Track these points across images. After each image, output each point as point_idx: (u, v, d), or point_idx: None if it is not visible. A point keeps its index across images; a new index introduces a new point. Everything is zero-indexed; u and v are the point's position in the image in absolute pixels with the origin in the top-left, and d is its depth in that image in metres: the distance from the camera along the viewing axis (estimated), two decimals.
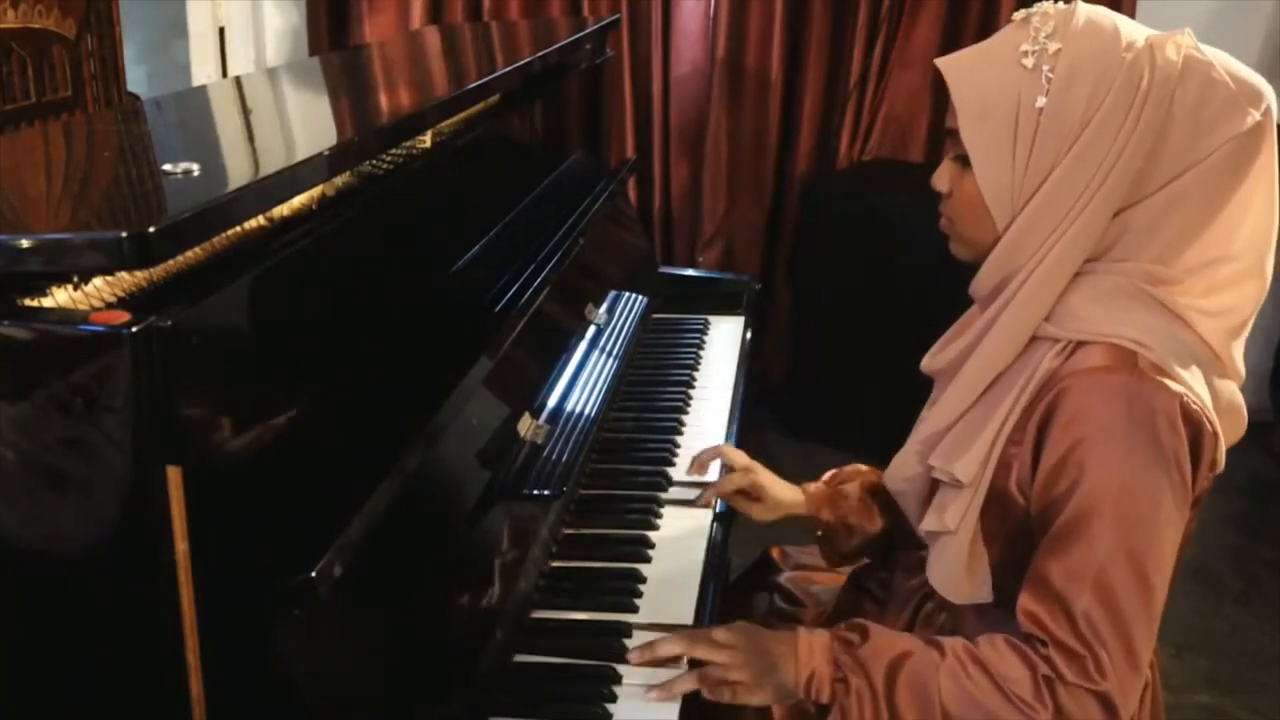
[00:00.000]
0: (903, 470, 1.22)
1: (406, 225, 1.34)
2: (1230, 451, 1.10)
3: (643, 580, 1.36)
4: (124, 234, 0.77)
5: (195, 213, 0.84)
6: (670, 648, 1.15)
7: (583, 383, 1.61)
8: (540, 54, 1.77)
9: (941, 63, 1.14)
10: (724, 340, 2.12)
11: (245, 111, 1.39)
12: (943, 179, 1.17)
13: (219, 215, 0.89)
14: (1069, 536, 1.04)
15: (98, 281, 0.86)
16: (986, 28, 3.09)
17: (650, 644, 1.16)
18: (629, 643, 1.22)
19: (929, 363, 1.23)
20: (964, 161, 1.13)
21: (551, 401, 1.51)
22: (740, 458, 1.53)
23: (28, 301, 0.82)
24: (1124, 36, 1.07)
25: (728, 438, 1.74)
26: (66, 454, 0.81)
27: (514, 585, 1.24)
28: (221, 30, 3.45)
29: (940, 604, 1.27)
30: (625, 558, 1.41)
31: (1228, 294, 1.10)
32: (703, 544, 1.45)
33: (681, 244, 3.51)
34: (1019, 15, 1.12)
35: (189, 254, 0.94)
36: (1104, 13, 1.10)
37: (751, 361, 2.03)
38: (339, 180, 1.20)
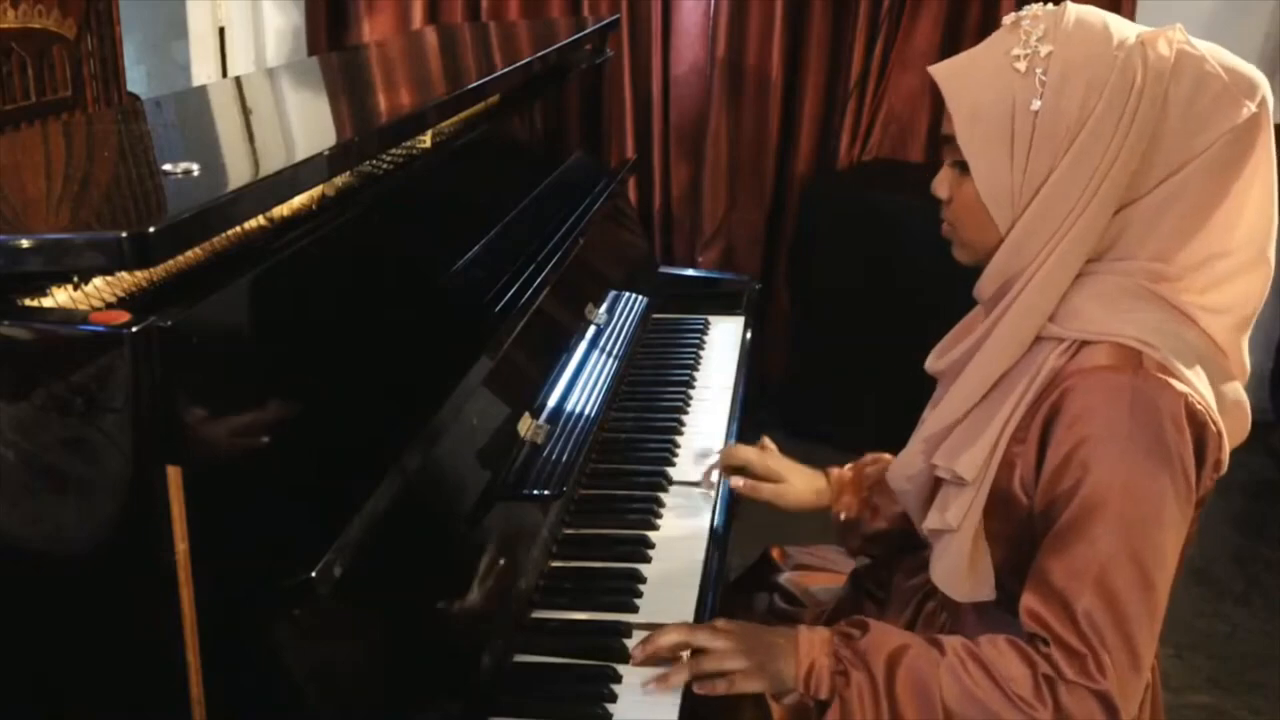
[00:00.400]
0: (905, 469, 1.22)
1: (407, 225, 1.34)
2: (1231, 451, 1.10)
3: (643, 580, 1.36)
4: (124, 234, 0.77)
5: (195, 213, 0.84)
6: (671, 637, 1.15)
7: (583, 383, 1.60)
8: (540, 54, 1.77)
9: (935, 70, 1.14)
10: (724, 340, 2.12)
11: (245, 111, 1.39)
12: (942, 185, 1.17)
13: (219, 215, 0.89)
14: (1072, 535, 1.04)
15: (98, 281, 0.86)
16: (987, 28, 3.08)
17: (650, 636, 1.16)
18: (629, 643, 1.22)
19: (933, 364, 1.23)
20: (963, 167, 1.13)
21: (551, 401, 1.51)
22: (748, 451, 1.52)
23: (28, 301, 0.82)
24: (1115, 35, 1.07)
25: (728, 437, 1.74)
26: (66, 454, 0.81)
27: (514, 585, 1.24)
28: (221, 30, 3.45)
29: (941, 604, 1.27)
30: (625, 558, 1.41)
31: (1230, 288, 1.10)
32: (703, 544, 1.45)
33: (681, 244, 3.51)
34: (1009, 19, 1.12)
35: (189, 254, 0.94)
36: (1094, 12, 1.10)
37: (751, 361, 2.03)
38: (339, 180, 1.20)
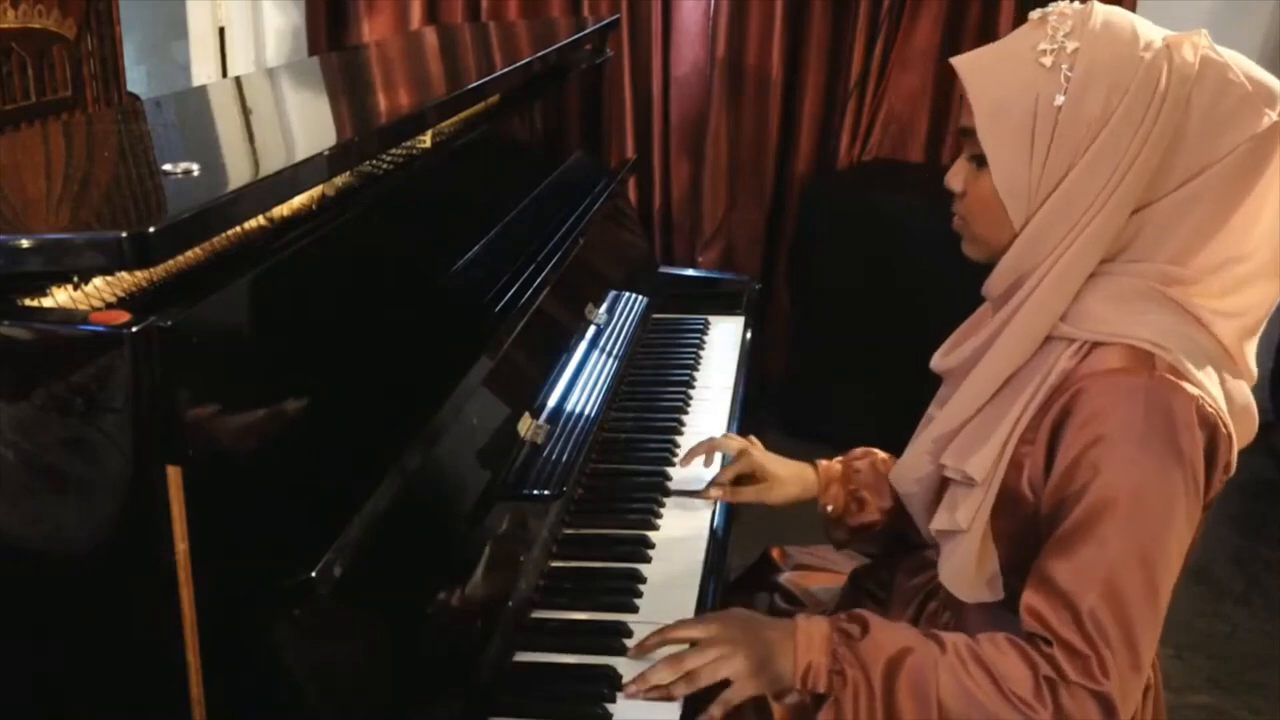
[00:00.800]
0: (913, 470, 1.22)
1: (407, 225, 1.34)
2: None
3: (643, 580, 1.36)
4: (124, 234, 0.77)
5: (195, 213, 0.84)
6: (662, 676, 1.12)
7: (583, 383, 1.60)
8: (540, 54, 1.77)
9: (957, 62, 1.13)
10: (724, 340, 2.12)
11: (245, 111, 1.39)
12: (957, 179, 1.16)
13: (219, 215, 0.89)
14: (1079, 535, 1.04)
15: (98, 281, 0.86)
16: (987, 27, 3.09)
17: (641, 676, 1.14)
18: (629, 643, 1.22)
19: (939, 362, 1.23)
20: (979, 161, 1.12)
21: (551, 401, 1.51)
22: (734, 441, 1.53)
23: (28, 301, 0.82)
24: (1142, 37, 1.08)
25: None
26: (66, 454, 0.81)
27: (514, 585, 1.24)
28: (221, 30, 3.45)
29: (943, 603, 1.27)
30: (625, 558, 1.41)
31: (1243, 294, 1.10)
32: (703, 544, 1.45)
33: (681, 244, 3.51)
34: (1036, 14, 1.11)
35: (189, 254, 0.94)
36: (1121, 13, 1.10)
37: (751, 361, 2.03)
38: (339, 180, 1.20)
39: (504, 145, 1.77)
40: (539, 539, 1.34)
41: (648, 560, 1.41)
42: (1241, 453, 1.12)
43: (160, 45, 3.99)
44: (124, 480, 0.81)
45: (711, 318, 2.21)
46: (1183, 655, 2.37)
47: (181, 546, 0.82)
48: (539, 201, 1.80)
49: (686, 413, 1.81)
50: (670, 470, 1.61)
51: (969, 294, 1.20)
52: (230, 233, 1.00)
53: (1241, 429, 1.10)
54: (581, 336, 1.71)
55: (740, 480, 1.51)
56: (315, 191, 1.15)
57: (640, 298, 1.97)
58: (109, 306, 0.85)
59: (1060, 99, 1.06)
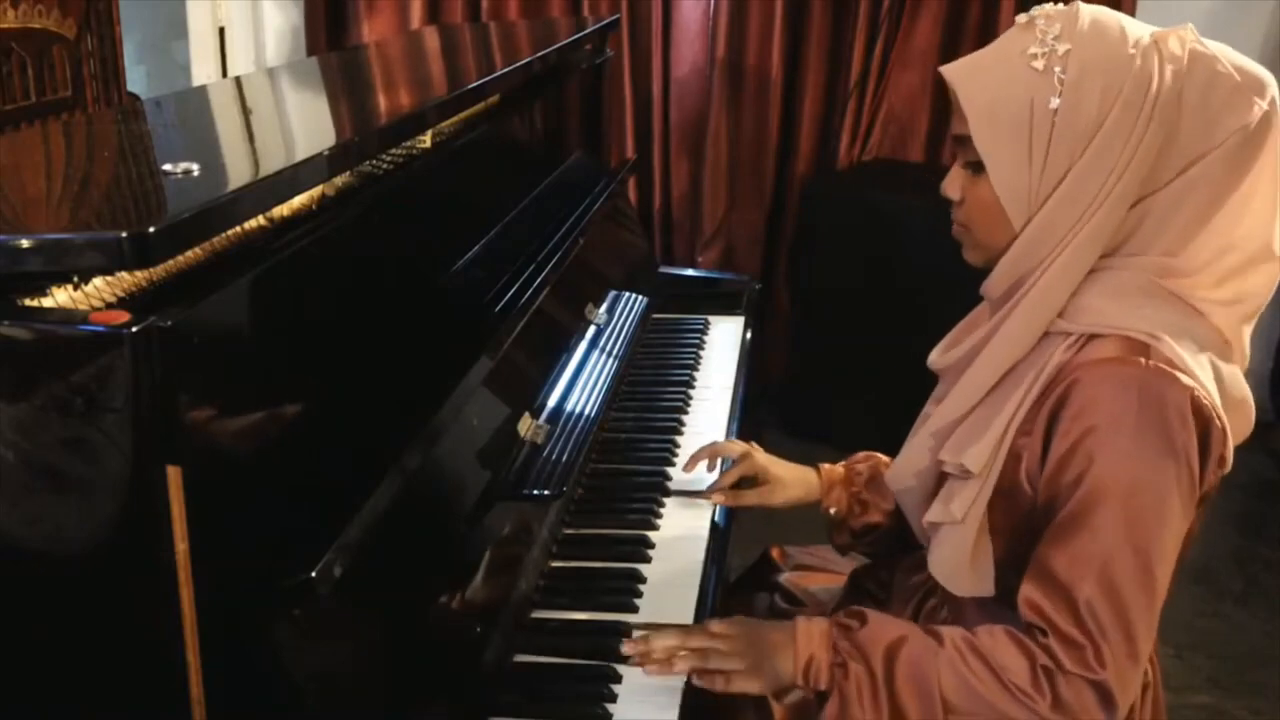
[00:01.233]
0: (911, 465, 1.22)
1: (407, 225, 1.34)
2: (1234, 448, 1.10)
3: (643, 580, 1.36)
4: (124, 234, 0.78)
5: (195, 213, 0.84)
6: (665, 642, 1.14)
7: (583, 383, 1.60)
8: (540, 54, 1.77)
9: (947, 70, 1.14)
10: (724, 340, 2.12)
11: (245, 111, 1.39)
12: (954, 187, 1.16)
13: (219, 215, 0.89)
14: (1075, 526, 1.04)
15: (98, 281, 0.86)
16: (987, 27, 3.09)
17: (644, 637, 1.15)
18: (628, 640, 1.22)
19: (937, 360, 1.23)
20: (975, 167, 1.13)
21: (551, 401, 1.51)
22: (736, 445, 1.54)
23: (28, 301, 0.82)
24: (1130, 34, 1.08)
25: (727, 437, 1.73)
26: (66, 454, 0.81)
27: (514, 585, 1.24)
28: (221, 30, 3.45)
29: (941, 600, 1.27)
30: (625, 558, 1.41)
31: (1238, 282, 1.10)
32: (703, 544, 1.45)
33: (681, 244, 3.50)
34: (1022, 18, 1.12)
35: (189, 254, 0.94)
36: (1107, 12, 1.10)
37: (751, 361, 2.03)
38: (339, 180, 1.20)
39: (504, 145, 1.77)
40: (539, 539, 1.34)
41: (648, 560, 1.41)
42: (1241, 452, 1.12)
43: (160, 45, 3.99)
44: (124, 480, 0.81)
45: (711, 318, 2.21)
46: (1183, 655, 2.37)
47: (181, 546, 0.82)
48: (539, 201, 1.80)
49: (686, 413, 1.81)
50: (670, 470, 1.62)
51: (969, 294, 1.21)
52: (230, 233, 1.00)
53: (1238, 423, 1.10)
54: (581, 336, 1.71)
55: (742, 484, 1.51)
56: (315, 191, 1.15)
57: (640, 298, 1.97)
58: (109, 306, 0.85)
59: (1055, 101, 1.07)
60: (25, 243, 0.79)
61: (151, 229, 0.78)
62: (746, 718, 1.24)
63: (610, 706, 1.14)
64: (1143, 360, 1.04)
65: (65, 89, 2.53)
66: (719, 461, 1.56)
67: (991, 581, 1.14)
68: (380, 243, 1.26)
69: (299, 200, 1.12)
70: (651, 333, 2.08)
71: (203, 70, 3.46)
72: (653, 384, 1.91)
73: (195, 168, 0.95)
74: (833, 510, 1.47)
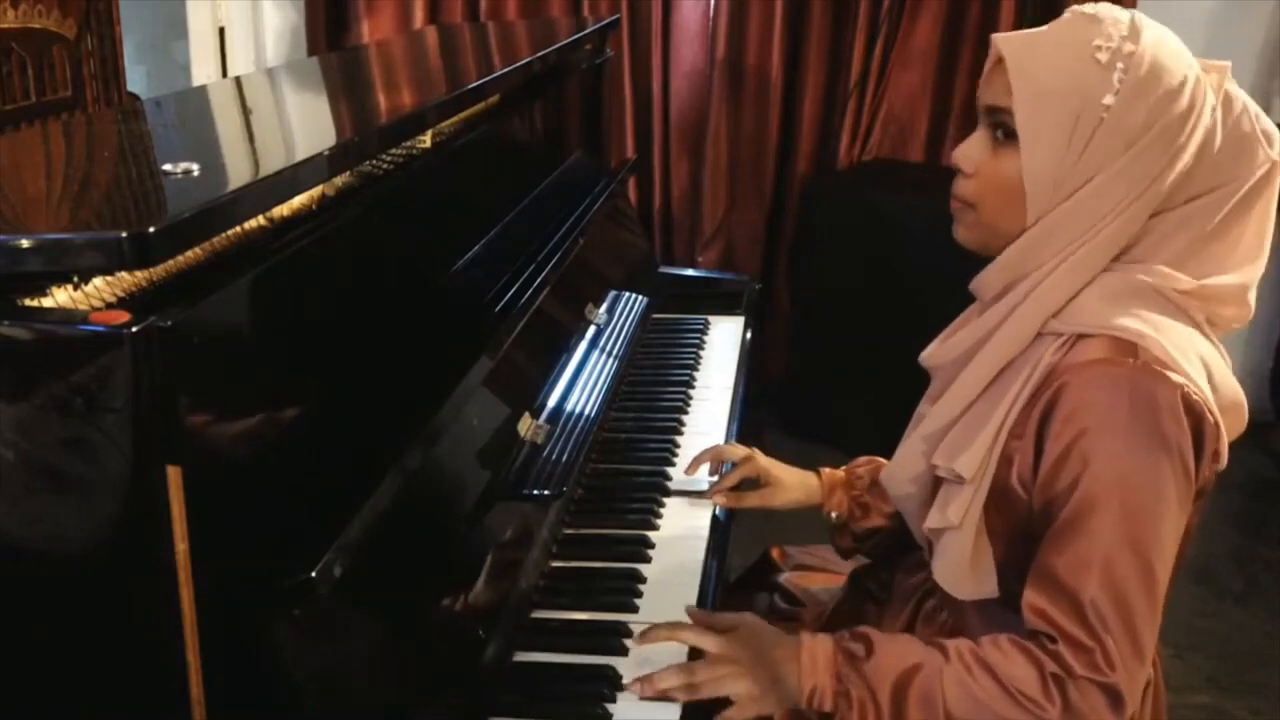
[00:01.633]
0: (906, 469, 1.22)
1: (407, 225, 1.34)
2: (1230, 450, 1.10)
3: (643, 580, 1.36)
4: (124, 234, 0.77)
5: (195, 213, 0.84)
6: (670, 681, 1.13)
7: (583, 383, 1.60)
8: (540, 54, 1.77)
9: (1004, 41, 1.11)
10: (724, 340, 2.12)
11: (245, 111, 1.39)
12: (969, 158, 1.13)
13: (219, 215, 0.89)
14: (1074, 529, 1.04)
15: (98, 281, 0.86)
16: (987, 27, 3.09)
17: (648, 678, 1.14)
18: (629, 643, 1.22)
19: (930, 357, 1.23)
20: (1004, 142, 1.11)
21: (551, 401, 1.51)
22: (738, 449, 1.55)
23: (28, 301, 0.82)
24: (1185, 58, 1.09)
25: (728, 438, 1.73)
26: (66, 454, 0.81)
27: (514, 585, 1.24)
28: (221, 30, 3.45)
29: (941, 602, 1.27)
30: (625, 557, 1.41)
31: (1221, 309, 1.13)
32: (703, 544, 1.45)
33: (681, 244, 3.51)
34: (1086, 7, 1.11)
35: (189, 254, 0.94)
36: (1165, 29, 1.11)
37: (751, 361, 2.03)
38: (339, 180, 1.20)
39: (504, 145, 1.77)
40: (539, 539, 1.34)
41: (648, 560, 1.41)
42: (1240, 452, 1.12)
43: (160, 45, 3.99)
44: (124, 480, 0.81)
45: (711, 318, 2.21)
46: (1183, 655, 2.37)
47: (181, 546, 0.82)
48: (539, 201, 1.80)
49: (686, 413, 1.81)
50: (670, 470, 1.62)
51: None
52: (230, 233, 1.00)
53: (1231, 421, 1.11)
54: (581, 336, 1.71)
55: (743, 486, 1.51)
56: (315, 191, 1.15)
57: (640, 298, 1.97)
58: (109, 306, 0.85)
59: (1110, 99, 1.06)
60: (25, 243, 0.79)
61: (151, 229, 0.78)
62: None
63: (610, 706, 1.14)
64: (1131, 360, 1.04)
65: (65, 89, 2.53)
66: (721, 465, 1.57)
67: (994, 584, 1.14)
68: (380, 243, 1.26)
69: (299, 200, 1.12)
70: (651, 333, 2.08)
71: (203, 70, 3.47)
72: (653, 384, 1.91)
73: (195, 168, 0.95)
74: (834, 514, 1.47)
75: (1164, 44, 1.09)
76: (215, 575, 0.84)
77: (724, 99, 3.33)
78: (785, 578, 1.56)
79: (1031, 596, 1.06)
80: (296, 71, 1.85)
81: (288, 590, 0.89)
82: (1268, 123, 1.12)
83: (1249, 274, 1.13)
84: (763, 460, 1.52)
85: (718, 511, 1.52)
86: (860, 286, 3.08)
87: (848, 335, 3.12)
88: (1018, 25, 2.98)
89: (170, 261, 0.91)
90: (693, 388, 1.90)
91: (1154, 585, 1.03)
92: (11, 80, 2.35)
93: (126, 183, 1.03)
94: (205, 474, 0.84)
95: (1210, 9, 3.06)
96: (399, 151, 1.36)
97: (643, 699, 1.14)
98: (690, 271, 2.71)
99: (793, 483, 1.50)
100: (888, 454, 1.30)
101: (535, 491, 1.32)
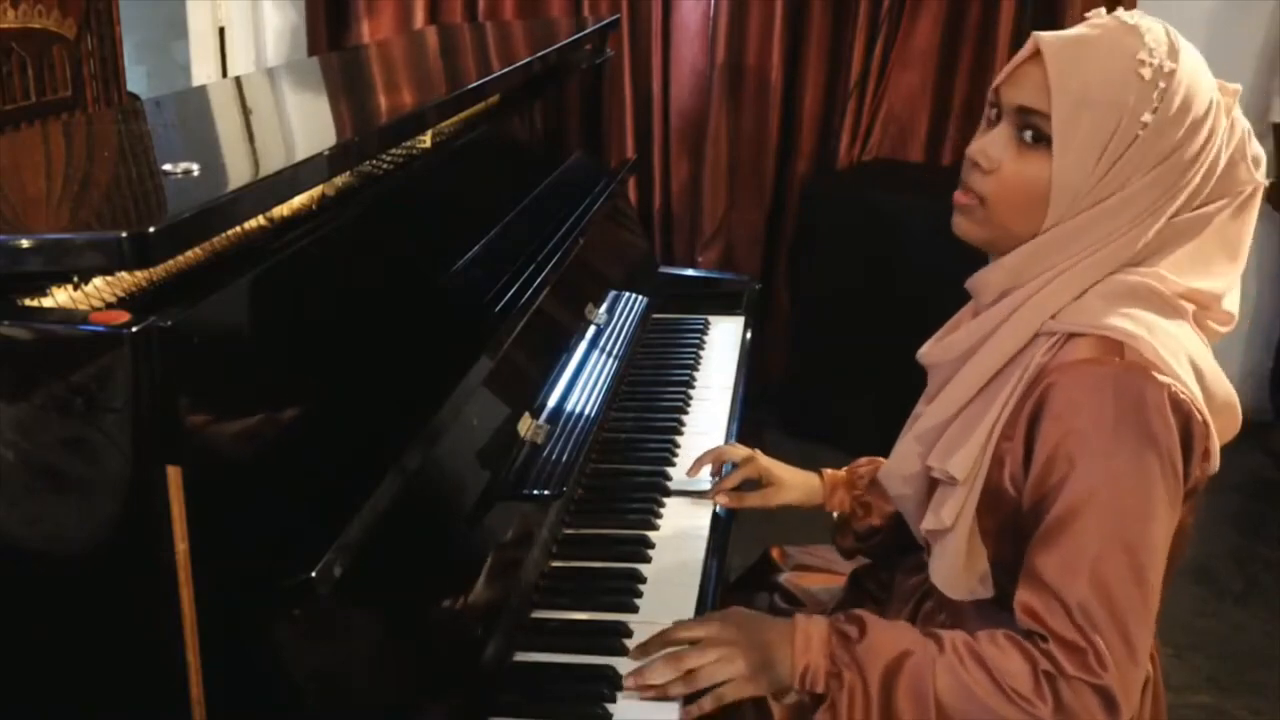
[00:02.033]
0: (901, 468, 1.22)
1: (407, 225, 1.34)
2: (1229, 451, 1.10)
3: (643, 580, 1.36)
4: (124, 234, 0.77)
5: (195, 213, 0.84)
6: (662, 674, 1.13)
7: (583, 383, 1.60)
8: (540, 54, 1.77)
9: (1047, 41, 1.09)
10: (724, 340, 2.12)
11: (245, 111, 1.39)
12: (991, 156, 1.11)
13: (219, 215, 0.89)
14: (1062, 529, 1.04)
15: (98, 281, 0.86)
16: (987, 27, 3.09)
17: (639, 671, 1.15)
18: (629, 642, 1.22)
19: (927, 355, 1.22)
20: (1032, 144, 1.09)
21: (551, 401, 1.51)
22: (740, 450, 1.55)
23: (28, 301, 0.82)
24: (1209, 75, 1.11)
25: (728, 438, 1.74)
26: (66, 454, 0.81)
27: (514, 585, 1.24)
28: (221, 30, 3.45)
29: (940, 602, 1.27)
30: (625, 557, 1.41)
31: (1205, 314, 1.14)
32: (702, 544, 1.45)
33: (681, 244, 3.51)
34: (1126, 16, 1.10)
35: (189, 254, 0.94)
36: (1192, 46, 1.11)
37: (751, 361, 2.03)
38: (339, 180, 1.20)
39: (504, 145, 1.77)
40: (539, 539, 1.34)
41: (648, 560, 1.41)
42: (1240, 453, 1.12)
43: (160, 45, 4.00)
44: (124, 480, 0.81)
45: (711, 318, 2.21)
46: (1183, 655, 2.37)
47: (181, 546, 0.82)
48: (539, 201, 1.80)
49: (686, 413, 1.81)
50: (670, 470, 1.62)
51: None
52: (230, 233, 1.00)
53: (1223, 422, 1.11)
54: (581, 336, 1.71)
55: (745, 486, 1.52)
56: (315, 191, 1.15)
57: (640, 298, 1.97)
58: (109, 306, 0.85)
59: (1148, 116, 1.06)
60: (25, 243, 0.79)
61: (151, 229, 0.78)
62: (746, 718, 1.24)
63: (610, 706, 1.14)
64: (1118, 359, 1.04)
65: (65, 89, 2.53)
66: (722, 466, 1.57)
67: (989, 584, 1.14)
68: (380, 243, 1.26)
69: (299, 200, 1.12)
70: (651, 333, 2.08)
71: (203, 70, 3.47)
72: (653, 384, 1.91)
73: (195, 168, 0.95)
74: (835, 514, 1.48)
75: (1199, 66, 1.10)
76: (215, 575, 0.84)
77: (724, 99, 3.33)
78: (785, 578, 1.56)
79: (1023, 597, 1.06)
80: (296, 71, 1.85)
81: (288, 590, 0.89)
82: (1258, 148, 1.15)
83: (1226, 284, 1.14)
84: (764, 461, 1.52)
85: (718, 510, 1.52)
86: (860, 286, 3.08)
87: (848, 335, 3.12)
88: (1018, 25, 2.98)
89: (170, 261, 0.91)
90: (693, 388, 1.90)
91: (1145, 584, 1.03)
92: (11, 80, 2.35)
93: (126, 183, 1.03)
94: (205, 474, 0.84)
95: (1210, 9, 3.06)
96: (399, 151, 1.36)
97: (644, 699, 1.14)
98: (690, 271, 2.71)
99: (794, 483, 1.51)
100: (887, 453, 1.30)
101: (535, 491, 1.32)
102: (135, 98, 2.86)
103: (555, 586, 1.35)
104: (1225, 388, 1.12)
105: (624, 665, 1.19)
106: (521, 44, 2.18)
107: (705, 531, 1.48)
